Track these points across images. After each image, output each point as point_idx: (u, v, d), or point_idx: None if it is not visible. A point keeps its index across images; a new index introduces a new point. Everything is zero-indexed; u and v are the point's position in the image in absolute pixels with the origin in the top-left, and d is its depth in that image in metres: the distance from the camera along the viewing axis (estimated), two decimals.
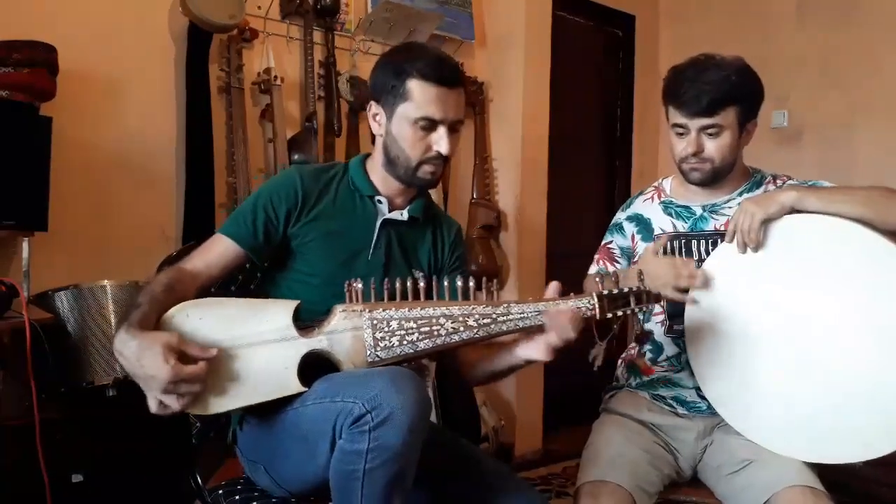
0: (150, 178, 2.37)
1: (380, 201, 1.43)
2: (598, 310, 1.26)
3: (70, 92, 2.11)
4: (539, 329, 1.25)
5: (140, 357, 1.09)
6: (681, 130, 1.56)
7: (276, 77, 2.52)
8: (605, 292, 1.27)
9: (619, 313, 1.28)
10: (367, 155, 1.49)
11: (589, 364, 1.67)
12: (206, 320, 1.18)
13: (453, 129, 1.38)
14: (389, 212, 1.43)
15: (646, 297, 1.29)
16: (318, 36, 2.68)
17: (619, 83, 3.81)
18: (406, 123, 1.35)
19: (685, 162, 1.57)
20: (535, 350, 1.26)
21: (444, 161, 1.38)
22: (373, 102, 1.41)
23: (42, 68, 1.97)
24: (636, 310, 1.28)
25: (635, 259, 1.68)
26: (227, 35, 2.44)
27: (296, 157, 2.52)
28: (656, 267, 1.51)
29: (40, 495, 1.74)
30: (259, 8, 2.56)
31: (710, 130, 1.53)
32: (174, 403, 1.11)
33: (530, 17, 3.16)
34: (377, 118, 1.41)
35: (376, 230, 1.42)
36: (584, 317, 1.26)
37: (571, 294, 1.28)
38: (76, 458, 1.88)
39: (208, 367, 1.12)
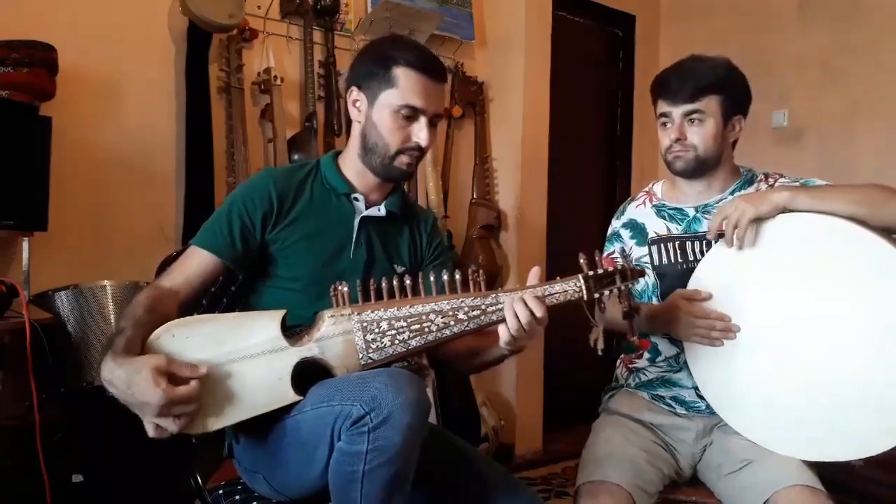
0: (149, 178, 2.37)
1: (356, 198, 1.41)
2: (585, 291, 1.25)
3: (70, 92, 2.11)
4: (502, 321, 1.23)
5: (130, 384, 1.07)
6: (665, 120, 1.60)
7: (275, 77, 2.52)
8: (591, 273, 1.26)
9: (607, 292, 1.27)
10: (339, 152, 1.48)
11: (589, 364, 1.67)
12: (193, 339, 1.16)
13: (433, 122, 1.37)
14: (366, 208, 1.42)
15: (630, 274, 1.29)
16: (317, 36, 2.68)
17: (620, 83, 3.81)
18: (388, 111, 1.34)
19: (669, 151, 1.59)
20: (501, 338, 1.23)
21: (420, 153, 1.38)
22: (354, 88, 1.40)
23: (41, 68, 1.96)
24: (622, 287, 1.28)
25: (634, 264, 1.68)
26: (226, 35, 2.44)
27: (296, 156, 2.52)
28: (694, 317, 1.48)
29: (40, 496, 1.74)
30: (259, 7, 2.56)
31: (692, 117, 1.55)
32: (171, 426, 1.09)
33: (530, 17, 3.15)
34: (357, 104, 1.40)
35: (355, 228, 1.40)
36: (572, 300, 1.24)
37: (558, 277, 1.27)
38: (76, 459, 1.88)
39: (200, 385, 1.11)
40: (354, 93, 1.40)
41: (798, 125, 3.26)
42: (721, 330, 1.46)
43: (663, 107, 1.59)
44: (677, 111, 1.56)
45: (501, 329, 1.22)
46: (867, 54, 3.06)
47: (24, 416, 1.75)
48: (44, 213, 1.97)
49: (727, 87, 1.56)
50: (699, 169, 1.59)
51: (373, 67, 1.36)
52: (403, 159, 1.37)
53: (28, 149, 1.94)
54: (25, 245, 2.01)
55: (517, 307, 1.20)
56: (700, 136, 1.56)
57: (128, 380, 1.07)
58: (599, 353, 1.33)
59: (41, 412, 1.74)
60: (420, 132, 1.35)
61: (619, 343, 1.75)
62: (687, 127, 1.56)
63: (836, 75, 3.15)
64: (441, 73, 1.38)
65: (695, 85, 1.53)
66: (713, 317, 1.47)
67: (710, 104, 1.55)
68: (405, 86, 1.33)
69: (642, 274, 1.31)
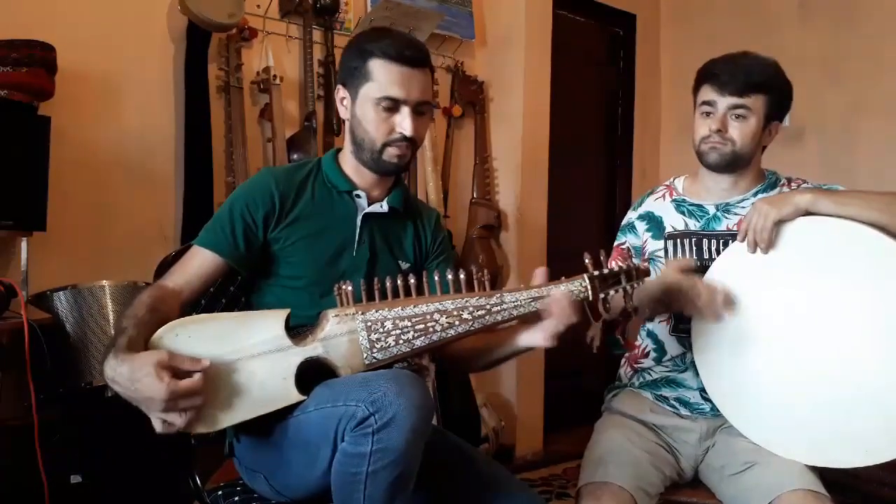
0: (148, 178, 2.36)
1: (358, 195, 1.41)
2: (590, 291, 1.25)
3: (69, 91, 2.10)
4: (536, 316, 1.24)
5: (133, 380, 1.07)
6: (709, 109, 1.56)
7: (275, 76, 2.51)
8: (596, 273, 1.26)
9: (612, 292, 1.27)
10: (339, 149, 1.47)
11: (589, 364, 1.66)
12: (196, 338, 1.16)
13: (418, 110, 1.35)
14: (369, 205, 1.41)
15: (636, 274, 1.28)
16: (317, 35, 2.67)
17: (620, 83, 3.80)
18: (369, 104, 1.34)
19: (706, 141, 1.56)
20: (537, 337, 1.25)
21: (409, 144, 1.36)
22: (340, 86, 1.40)
23: (40, 67, 1.96)
24: (628, 287, 1.28)
25: (646, 257, 1.68)
26: (226, 34, 2.43)
27: (295, 156, 2.51)
28: (689, 289, 1.44)
29: (39, 496, 1.73)
30: (258, 7, 2.55)
31: (737, 112, 1.54)
32: (177, 420, 1.09)
33: (531, 16, 3.15)
34: (344, 102, 1.39)
35: (358, 226, 1.40)
36: (578, 299, 1.25)
37: (563, 277, 1.27)
38: (75, 459, 1.87)
39: (204, 378, 1.10)
40: (341, 91, 1.40)
41: (799, 125, 3.25)
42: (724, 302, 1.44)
43: (709, 94, 1.55)
44: (724, 102, 1.54)
45: (547, 324, 1.23)
46: (867, 54, 3.06)
47: (23, 417, 1.75)
48: (42, 212, 1.97)
49: (775, 89, 1.55)
50: (732, 164, 1.57)
51: (352, 63, 1.36)
52: (392, 151, 1.36)
53: (27, 148, 1.93)
54: (24, 245, 2.01)
55: (567, 304, 1.22)
56: (740, 133, 1.54)
57: (131, 376, 1.07)
58: (594, 350, 1.33)
59: (40, 413, 1.74)
60: (403, 122, 1.34)
61: (606, 339, 1.73)
62: (730, 121, 1.54)
63: (836, 75, 3.15)
64: (420, 59, 1.35)
65: (746, 80, 1.52)
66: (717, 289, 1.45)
67: (757, 102, 1.53)
68: (381, 78, 1.32)
69: (647, 274, 1.30)
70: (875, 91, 3.05)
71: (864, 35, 3.08)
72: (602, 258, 1.28)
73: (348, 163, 1.43)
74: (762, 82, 1.53)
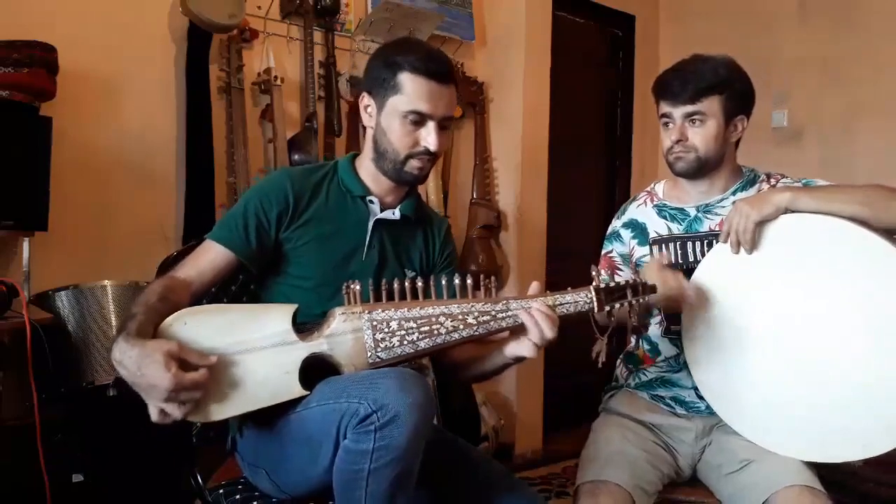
0: (150, 178, 2.37)
1: (371, 201, 1.42)
2: (595, 303, 1.26)
3: (70, 92, 2.11)
4: (523, 328, 1.25)
5: (140, 366, 1.08)
6: (667, 121, 1.59)
7: (276, 77, 2.52)
8: (602, 285, 1.27)
9: (617, 305, 1.28)
10: (356, 154, 1.49)
11: (589, 363, 1.67)
12: (204, 328, 1.17)
13: (442, 125, 1.38)
14: (381, 211, 1.43)
15: (642, 289, 1.29)
16: (318, 36, 2.68)
17: (620, 83, 3.81)
18: (395, 116, 1.35)
19: (671, 152, 1.59)
20: (523, 348, 1.26)
21: (431, 157, 1.38)
22: (365, 94, 1.41)
23: (42, 68, 1.96)
24: (633, 301, 1.29)
25: (633, 263, 1.69)
26: (227, 35, 2.44)
27: (296, 157, 2.52)
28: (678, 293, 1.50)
29: (40, 495, 1.74)
30: (259, 8, 2.56)
31: (693, 118, 1.55)
32: (175, 411, 1.10)
33: (530, 17, 3.16)
34: (368, 110, 1.41)
35: (369, 231, 1.41)
36: (582, 311, 1.26)
37: (569, 288, 1.27)
38: (76, 459, 1.88)
39: (209, 373, 1.11)
40: (366, 98, 1.41)
41: (798, 125, 3.26)
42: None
43: (664, 108, 1.58)
44: (678, 112, 1.55)
45: (527, 344, 1.24)
46: (867, 54, 3.07)
47: (25, 416, 1.76)
48: (44, 212, 1.98)
49: (729, 88, 1.55)
50: (700, 170, 1.58)
51: (381, 73, 1.37)
52: (414, 164, 1.38)
53: (28, 149, 1.94)
54: (26, 245, 2.02)
55: (540, 319, 1.21)
56: (701, 137, 1.55)
57: (139, 361, 1.08)
58: (600, 365, 1.34)
59: (41, 412, 1.75)
60: (428, 137, 1.36)
61: (626, 357, 1.75)
62: (688, 128, 1.56)
63: (836, 75, 3.15)
64: (448, 75, 1.37)
65: (696, 86, 1.53)
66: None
67: (712, 105, 1.54)
68: (411, 91, 1.34)
69: (654, 290, 1.31)
70: (874, 91, 3.05)
71: (863, 35, 3.08)
72: (606, 271, 1.29)
73: (366, 169, 1.44)
74: (713, 84, 1.53)
